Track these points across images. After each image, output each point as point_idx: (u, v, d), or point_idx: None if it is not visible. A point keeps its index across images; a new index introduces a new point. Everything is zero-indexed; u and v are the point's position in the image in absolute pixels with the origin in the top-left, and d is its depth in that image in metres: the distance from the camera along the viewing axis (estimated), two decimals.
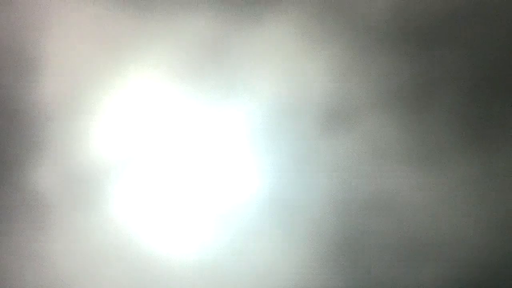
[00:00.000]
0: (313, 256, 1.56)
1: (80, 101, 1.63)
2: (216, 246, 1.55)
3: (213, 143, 1.62)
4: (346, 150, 1.58)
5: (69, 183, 1.59)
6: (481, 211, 1.52)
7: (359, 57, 1.60)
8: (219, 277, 1.55)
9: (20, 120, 1.63)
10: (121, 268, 1.56)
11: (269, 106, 1.62)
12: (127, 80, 1.63)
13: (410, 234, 1.53)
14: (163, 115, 1.65)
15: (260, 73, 1.62)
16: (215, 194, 1.60)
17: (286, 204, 1.58)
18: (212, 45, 1.62)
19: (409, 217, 1.54)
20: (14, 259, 1.55)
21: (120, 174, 1.60)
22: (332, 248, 1.55)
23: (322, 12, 1.63)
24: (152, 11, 1.63)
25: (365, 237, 1.55)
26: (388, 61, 1.62)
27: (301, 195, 1.58)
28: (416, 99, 1.59)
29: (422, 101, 1.59)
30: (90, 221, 1.57)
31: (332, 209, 1.57)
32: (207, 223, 1.57)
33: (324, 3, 1.63)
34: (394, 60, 1.61)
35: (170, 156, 1.62)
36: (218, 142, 1.62)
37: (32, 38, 1.64)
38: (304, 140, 1.60)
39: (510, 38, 1.59)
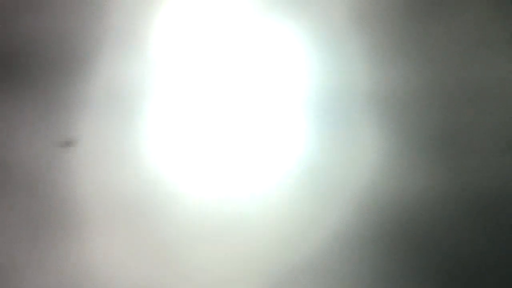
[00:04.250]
0: (414, 153, 1.53)
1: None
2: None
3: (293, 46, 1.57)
4: (441, 40, 1.54)
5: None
6: None
7: None
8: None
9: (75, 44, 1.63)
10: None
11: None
12: None
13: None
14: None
15: None
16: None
17: (385, 96, 1.53)
18: None
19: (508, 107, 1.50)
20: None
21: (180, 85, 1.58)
22: (434, 142, 1.51)
23: None
24: None
25: (465, 130, 1.51)
26: None
27: (397, 87, 1.53)
28: None
29: None
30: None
31: (431, 101, 1.52)
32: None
33: None
34: None
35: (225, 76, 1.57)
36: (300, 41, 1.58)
37: None
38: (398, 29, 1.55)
39: None
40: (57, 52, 1.62)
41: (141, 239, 1.48)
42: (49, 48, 1.62)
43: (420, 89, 1.55)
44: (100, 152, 1.56)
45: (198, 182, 1.53)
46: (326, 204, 1.50)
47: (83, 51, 1.61)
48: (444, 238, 1.46)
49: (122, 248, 1.47)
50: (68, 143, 1.51)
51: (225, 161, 1.55)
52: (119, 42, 1.62)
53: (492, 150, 1.51)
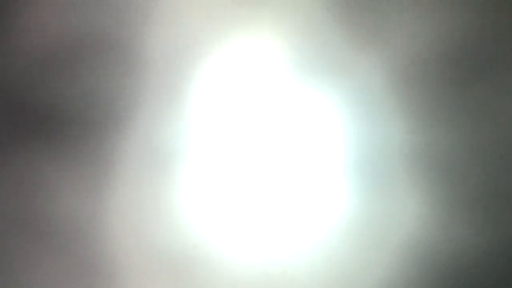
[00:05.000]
0: (454, 207, 1.52)
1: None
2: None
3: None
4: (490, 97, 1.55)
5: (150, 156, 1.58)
6: None
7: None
8: None
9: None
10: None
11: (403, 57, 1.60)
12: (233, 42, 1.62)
13: None
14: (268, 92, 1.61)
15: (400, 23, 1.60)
16: None
17: (432, 157, 1.54)
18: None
19: None
20: None
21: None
22: (472, 195, 1.51)
23: None
24: None
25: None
26: None
27: (435, 144, 1.54)
28: None
29: None
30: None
31: (470, 158, 1.53)
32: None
33: None
34: None
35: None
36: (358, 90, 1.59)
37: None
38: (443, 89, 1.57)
39: None
40: (96, 109, 1.62)
41: None
42: (89, 106, 1.62)
43: (458, 146, 1.56)
44: (137, 208, 1.55)
45: (240, 241, 1.52)
46: (370, 259, 1.49)
47: (121, 108, 1.61)
48: None
49: None
50: None
51: (267, 220, 1.54)
52: (156, 100, 1.62)
53: None
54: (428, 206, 1.53)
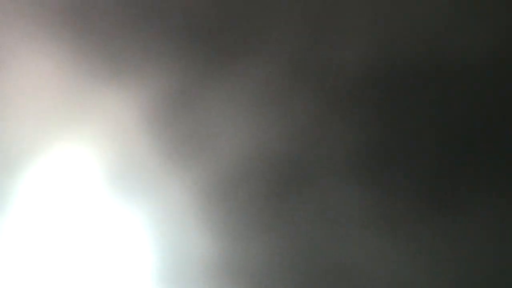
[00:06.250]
0: None
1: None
2: None
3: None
4: (300, 215, 1.57)
5: None
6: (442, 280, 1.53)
7: (319, 119, 1.60)
8: None
9: None
10: None
11: (221, 170, 1.61)
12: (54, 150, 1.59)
13: None
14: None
15: (215, 133, 1.62)
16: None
17: (242, 271, 1.56)
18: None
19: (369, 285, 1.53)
20: None
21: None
22: None
23: (289, 71, 1.59)
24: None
25: None
26: (346, 124, 1.61)
27: (255, 262, 1.56)
28: (377, 165, 1.58)
29: (382, 167, 1.58)
30: None
31: (290, 278, 1.54)
32: None
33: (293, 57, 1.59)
34: (352, 123, 1.61)
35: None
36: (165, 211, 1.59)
37: None
38: (256, 205, 1.59)
39: (479, 97, 1.55)
40: None
41: None
42: None
43: (268, 256, 1.56)
44: None
45: None
46: None
47: None
48: None
49: None
50: None
51: None
52: None
53: None
54: None
